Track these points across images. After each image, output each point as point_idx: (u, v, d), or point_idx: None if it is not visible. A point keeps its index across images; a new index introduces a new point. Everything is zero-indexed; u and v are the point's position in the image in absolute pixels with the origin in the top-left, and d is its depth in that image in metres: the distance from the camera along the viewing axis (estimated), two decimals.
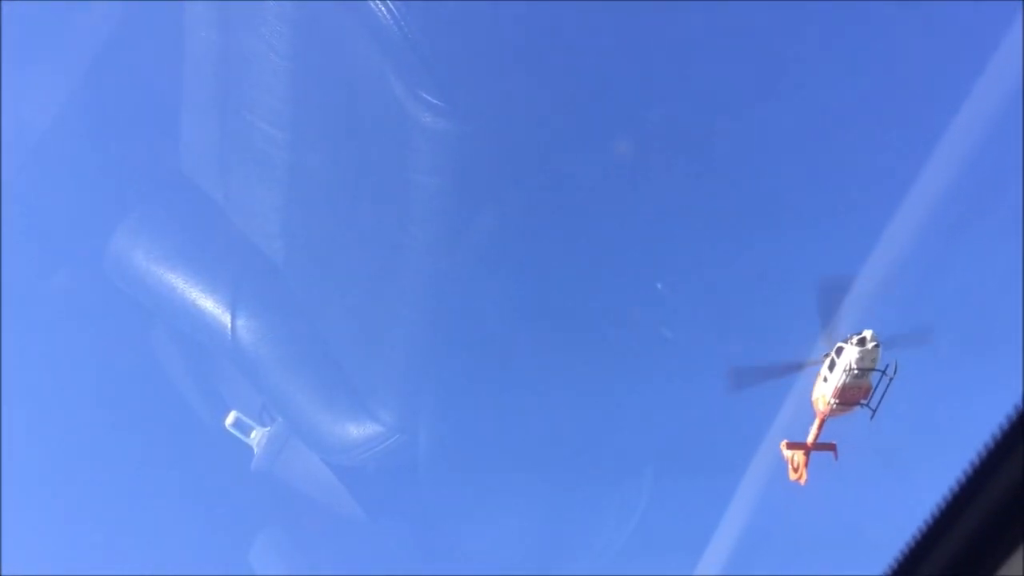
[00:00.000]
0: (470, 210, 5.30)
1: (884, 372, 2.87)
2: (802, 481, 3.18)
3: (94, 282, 6.64)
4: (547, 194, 5.21)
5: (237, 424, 6.70)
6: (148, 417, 6.84)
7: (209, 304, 6.44)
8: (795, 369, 2.99)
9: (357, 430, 6.16)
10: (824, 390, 2.96)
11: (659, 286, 5.34)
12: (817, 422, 3.07)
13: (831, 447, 3.15)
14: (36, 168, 6.52)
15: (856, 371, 2.84)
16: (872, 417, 2.94)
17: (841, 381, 2.88)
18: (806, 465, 3.14)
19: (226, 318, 6.40)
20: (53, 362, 6.73)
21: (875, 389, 2.90)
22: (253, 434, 6.71)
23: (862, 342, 2.85)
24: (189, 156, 6.37)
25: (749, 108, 4.84)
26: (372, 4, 4.59)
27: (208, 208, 6.38)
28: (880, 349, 2.84)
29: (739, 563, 4.83)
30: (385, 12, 4.60)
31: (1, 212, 6.23)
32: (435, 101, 4.72)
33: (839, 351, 2.90)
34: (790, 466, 3.17)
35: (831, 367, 2.90)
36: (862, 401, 2.94)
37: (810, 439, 3.13)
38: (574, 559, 6.08)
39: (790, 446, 3.16)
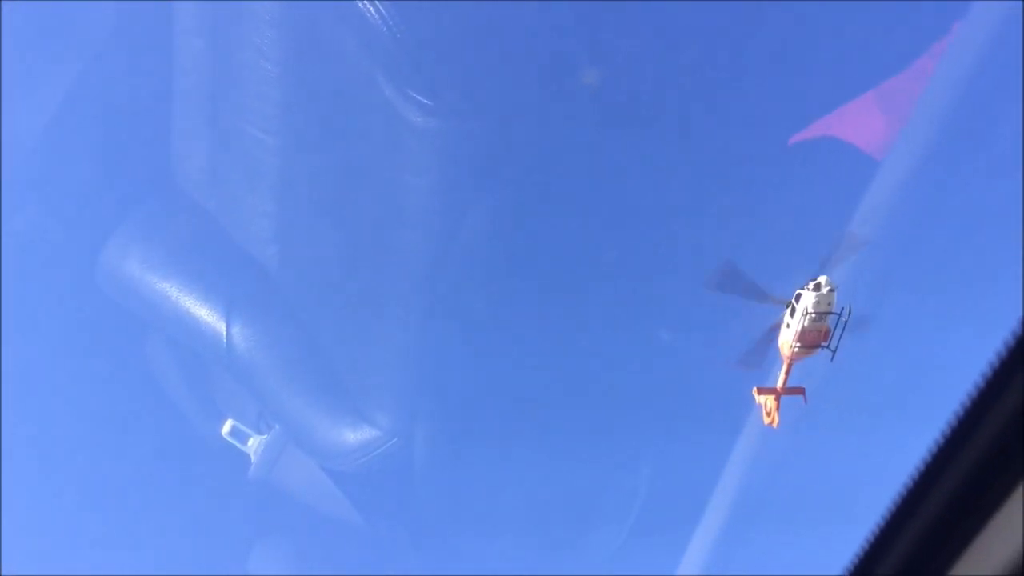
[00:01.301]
0: (463, 210, 5.31)
1: (839, 315, 3.00)
2: (775, 424, 3.32)
3: (88, 293, 6.63)
4: (539, 192, 5.22)
5: (234, 432, 6.70)
6: (145, 427, 6.83)
7: (203, 312, 6.43)
8: (766, 298, 3.09)
9: (354, 435, 6.16)
10: (787, 336, 3.11)
11: (653, 285, 5.37)
12: (784, 367, 3.20)
13: (800, 391, 3.28)
14: (28, 179, 6.52)
15: (813, 315, 2.98)
16: (832, 359, 3.07)
17: (800, 325, 3.02)
18: (777, 409, 3.27)
19: (221, 326, 6.39)
20: (48, 373, 6.73)
21: (833, 331, 3.03)
22: (250, 442, 6.70)
23: (817, 287, 2.99)
24: (181, 164, 6.37)
25: (748, 109, 4.89)
26: (361, 5, 4.60)
27: (201, 216, 6.37)
28: (835, 294, 2.98)
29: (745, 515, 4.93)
30: (374, 13, 4.61)
31: None
32: (425, 101, 4.73)
33: (798, 298, 3.05)
34: (763, 411, 3.31)
35: (792, 314, 3.05)
36: (822, 343, 3.07)
37: (779, 384, 3.26)
38: (572, 559, 6.07)
39: (761, 391, 3.30)
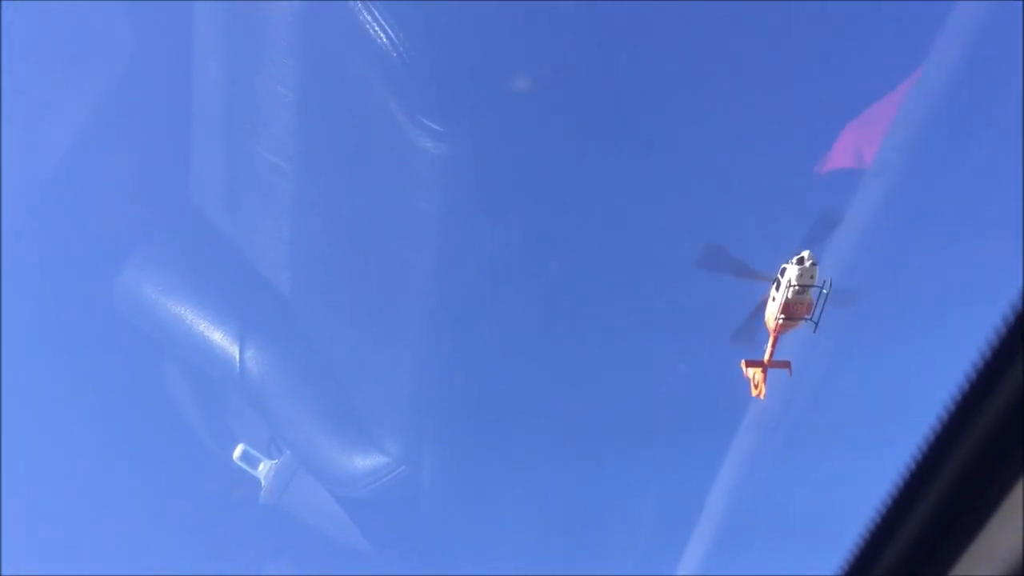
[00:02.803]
0: (474, 237, 5.33)
1: (822, 288, 3.11)
2: (762, 396, 3.41)
3: (104, 315, 6.69)
4: (550, 218, 5.24)
5: (245, 457, 6.71)
6: (158, 450, 6.86)
7: (217, 336, 6.47)
8: (753, 276, 3.16)
9: (363, 461, 6.16)
10: (772, 309, 3.22)
11: (660, 309, 5.41)
12: (771, 339, 3.29)
13: (786, 364, 3.37)
14: (47, 202, 6.60)
15: (797, 287, 3.10)
16: (815, 330, 3.17)
17: (784, 297, 3.13)
18: (764, 381, 3.36)
19: (234, 350, 6.42)
20: (64, 394, 6.77)
21: (816, 304, 3.14)
22: (261, 467, 6.71)
23: (800, 261, 3.10)
24: (198, 188, 6.43)
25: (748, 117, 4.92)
26: (372, 32, 4.65)
27: (216, 240, 6.43)
28: (817, 267, 3.10)
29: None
30: (385, 40, 4.66)
31: (2, 247, 6.30)
32: (436, 127, 4.77)
33: (782, 272, 3.17)
34: (751, 384, 3.39)
35: (777, 288, 3.17)
36: (805, 316, 3.18)
37: (766, 357, 3.35)
38: None
39: (749, 364, 3.39)
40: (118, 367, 6.83)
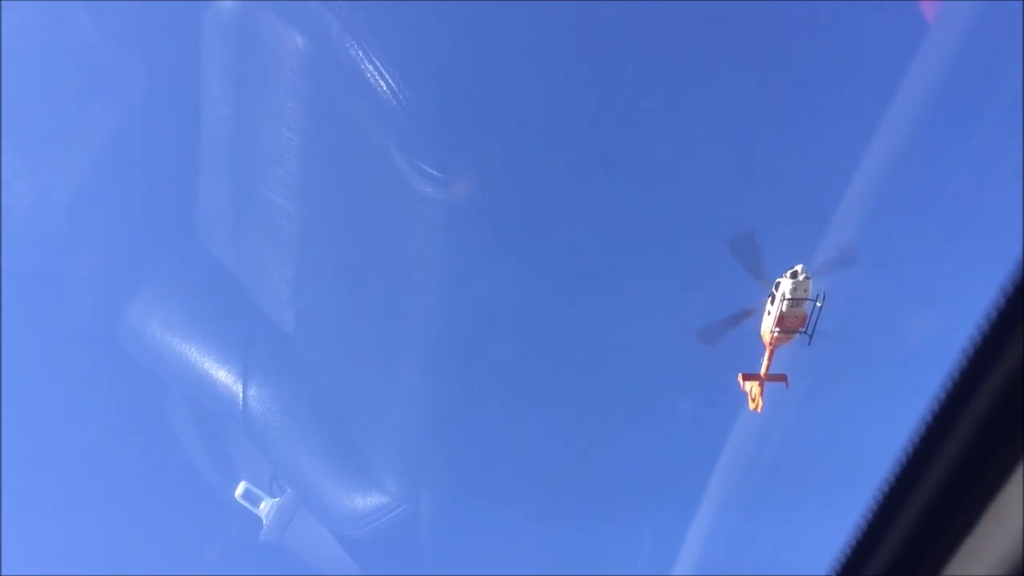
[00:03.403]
0: (473, 279, 5.39)
1: (815, 301, 3.17)
2: (758, 409, 3.45)
3: (110, 352, 6.75)
4: (548, 261, 5.29)
5: (247, 495, 6.72)
6: (161, 487, 6.89)
7: (221, 374, 6.52)
8: (746, 315, 3.19)
9: (364, 500, 6.18)
10: (768, 323, 3.26)
11: (661, 351, 5.44)
12: (767, 353, 3.34)
13: (782, 377, 3.41)
14: (55, 239, 6.67)
15: (791, 300, 3.15)
16: (810, 343, 3.23)
17: (778, 311, 3.18)
18: (761, 394, 3.41)
19: (238, 388, 6.47)
20: (69, 431, 6.81)
21: (810, 317, 3.20)
22: (262, 505, 6.73)
23: (794, 275, 3.17)
24: (203, 228, 6.51)
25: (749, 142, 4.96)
26: (373, 80, 4.74)
27: (221, 279, 6.50)
28: (811, 281, 3.16)
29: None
30: (386, 88, 4.74)
31: (2, 284, 6.37)
32: (435, 173, 4.84)
33: (777, 286, 3.22)
34: (748, 397, 3.44)
35: (772, 302, 3.22)
36: (800, 329, 3.23)
37: (763, 370, 3.39)
38: None
39: (746, 377, 3.43)
40: (123, 404, 6.88)
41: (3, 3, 5.84)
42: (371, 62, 4.72)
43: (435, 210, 4.96)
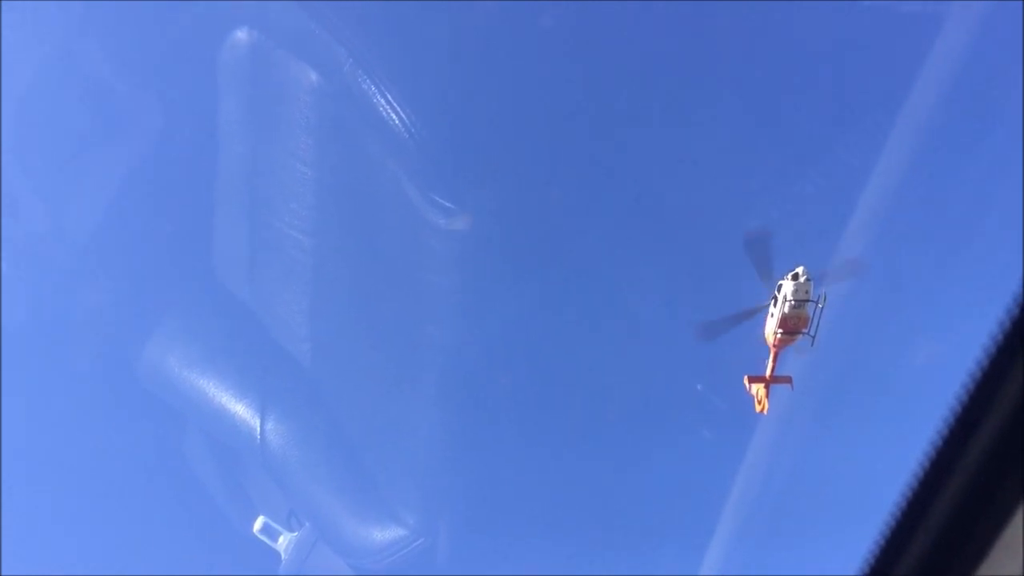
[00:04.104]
0: (487, 310, 5.41)
1: (816, 302, 3.17)
2: (764, 411, 3.44)
3: (128, 387, 6.78)
4: (562, 290, 5.31)
5: (265, 529, 6.72)
6: (179, 522, 6.90)
7: (239, 408, 6.54)
8: (750, 315, 3.25)
9: (382, 534, 6.17)
10: (771, 325, 3.28)
11: (699, 387, 5.43)
12: (772, 355, 3.35)
13: (787, 380, 3.41)
14: (72, 275, 6.74)
15: (793, 302, 3.16)
16: (812, 344, 3.22)
17: (781, 312, 3.20)
18: (767, 396, 3.40)
19: (255, 422, 6.49)
20: (86, 466, 6.84)
21: (812, 319, 3.20)
22: (281, 539, 6.72)
23: (795, 277, 3.17)
24: (221, 263, 6.56)
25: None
26: (386, 115, 4.78)
27: (238, 313, 6.53)
28: (812, 283, 3.16)
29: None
30: (398, 122, 4.79)
31: (21, 319, 6.43)
32: (448, 204, 4.88)
33: (779, 288, 3.23)
34: (755, 400, 3.44)
35: (775, 304, 3.23)
36: (803, 330, 3.23)
37: (768, 372, 3.38)
38: None
39: (751, 380, 3.43)
40: (141, 439, 6.90)
41: (19, 44, 5.93)
42: (383, 96, 4.77)
43: (448, 241, 4.99)
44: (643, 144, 4.82)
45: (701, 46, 4.87)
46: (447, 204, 4.88)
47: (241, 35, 5.47)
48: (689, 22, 4.83)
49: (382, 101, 4.79)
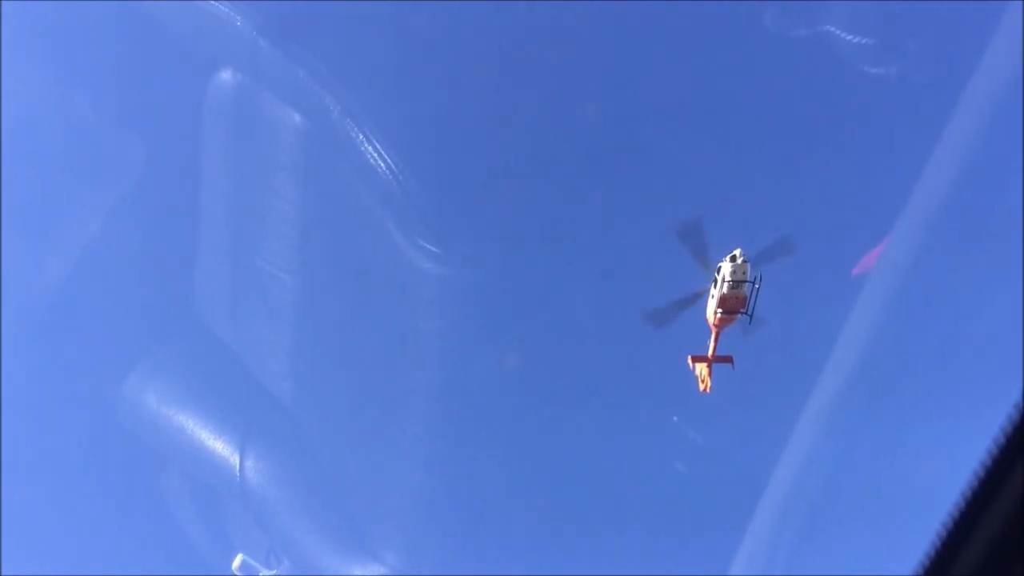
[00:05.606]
0: (470, 352, 5.47)
1: (753, 283, 3.34)
2: (707, 390, 3.57)
3: (107, 425, 6.78)
4: (544, 333, 5.38)
5: (244, 567, 6.71)
6: (157, 560, 6.87)
7: (218, 445, 6.55)
8: (694, 299, 3.40)
9: (361, 571, 6.19)
10: (711, 306, 3.43)
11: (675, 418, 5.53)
12: (713, 335, 3.50)
13: (728, 359, 3.56)
14: (54, 312, 6.73)
15: (731, 282, 3.33)
16: (750, 323, 3.38)
17: (719, 292, 3.35)
18: (709, 375, 3.55)
19: (235, 459, 6.50)
20: (64, 504, 6.81)
21: (749, 299, 3.37)
22: None
23: (733, 259, 3.34)
24: (201, 300, 6.59)
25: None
26: (372, 161, 4.87)
27: (218, 350, 6.56)
28: (748, 264, 3.33)
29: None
30: (384, 168, 4.87)
31: (2, 359, 6.41)
32: (433, 249, 4.96)
33: (718, 270, 3.39)
34: (698, 379, 3.58)
35: (716, 286, 3.40)
36: (741, 309, 3.39)
37: (710, 352, 3.53)
38: None
39: (695, 359, 3.57)
40: (120, 477, 6.89)
41: (4, 84, 5.96)
42: (370, 143, 4.85)
43: (433, 285, 5.07)
44: (631, 180, 4.91)
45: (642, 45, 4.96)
46: (432, 248, 4.96)
47: (229, 79, 5.55)
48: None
49: (370, 149, 4.87)
